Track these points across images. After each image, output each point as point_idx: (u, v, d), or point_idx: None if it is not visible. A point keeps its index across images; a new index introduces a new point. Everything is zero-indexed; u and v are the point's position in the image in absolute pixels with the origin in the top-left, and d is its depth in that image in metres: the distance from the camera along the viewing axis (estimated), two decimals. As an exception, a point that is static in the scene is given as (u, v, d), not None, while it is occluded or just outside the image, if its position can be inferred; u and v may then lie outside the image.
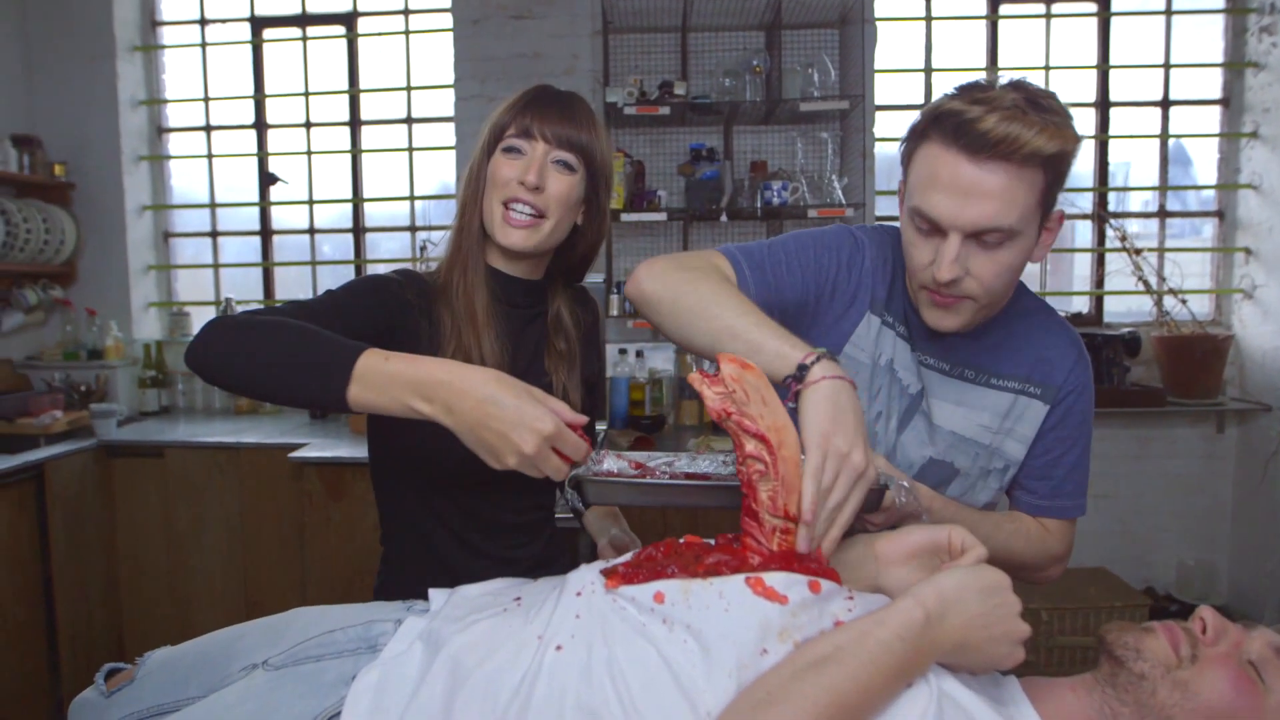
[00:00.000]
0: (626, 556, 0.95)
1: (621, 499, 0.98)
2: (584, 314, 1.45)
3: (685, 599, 0.84)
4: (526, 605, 0.93)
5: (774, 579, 0.85)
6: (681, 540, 0.96)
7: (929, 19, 3.68)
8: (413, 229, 3.86)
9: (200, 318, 3.91)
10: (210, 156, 3.90)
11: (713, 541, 0.96)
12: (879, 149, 3.43)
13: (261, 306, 1.03)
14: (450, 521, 1.31)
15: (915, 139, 1.10)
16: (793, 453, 0.89)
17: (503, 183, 1.24)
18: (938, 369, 1.24)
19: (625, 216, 3.20)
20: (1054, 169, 1.04)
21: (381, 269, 3.99)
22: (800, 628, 0.81)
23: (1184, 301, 3.56)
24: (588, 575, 0.92)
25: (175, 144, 3.93)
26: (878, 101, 3.42)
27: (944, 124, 1.03)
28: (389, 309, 1.22)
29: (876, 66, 3.38)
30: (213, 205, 3.92)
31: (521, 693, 0.80)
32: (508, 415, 0.89)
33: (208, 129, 3.89)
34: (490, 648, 0.86)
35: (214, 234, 3.95)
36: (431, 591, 1.05)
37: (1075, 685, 0.91)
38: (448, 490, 1.30)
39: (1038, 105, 1.02)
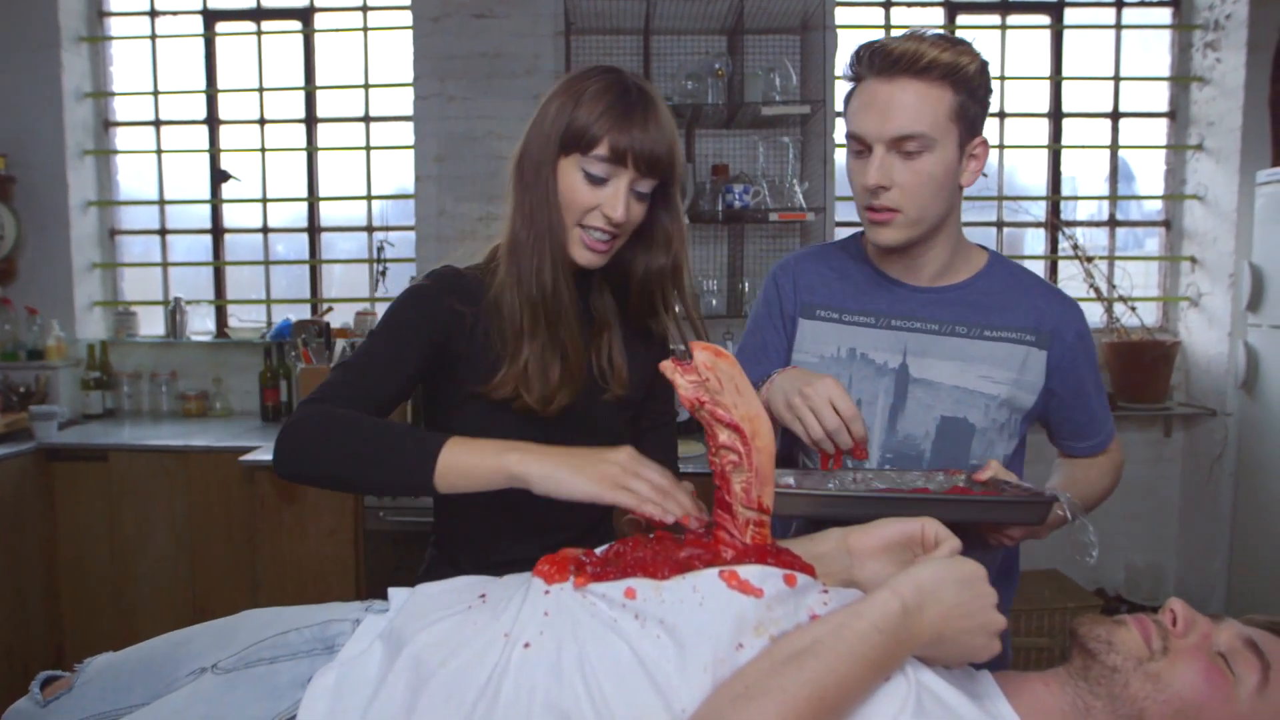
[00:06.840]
0: (595, 553, 0.93)
1: (803, 510, 1.07)
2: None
3: (657, 594, 0.82)
4: (492, 602, 0.89)
5: (748, 572, 0.83)
6: (651, 535, 0.94)
7: (888, 28, 3.72)
8: (370, 229, 3.79)
9: (147, 317, 3.79)
10: (159, 152, 3.78)
11: (682, 536, 0.94)
12: (839, 154, 3.45)
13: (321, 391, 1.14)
14: (507, 520, 1.29)
15: (852, 83, 1.26)
16: (766, 443, 0.87)
17: (581, 208, 1.16)
18: (927, 330, 1.31)
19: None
20: (961, 86, 1.17)
21: (337, 270, 3.94)
22: (776, 621, 0.79)
23: (1133, 309, 3.63)
24: (555, 572, 0.89)
25: (123, 138, 3.81)
26: (838, 108, 3.43)
27: (862, 59, 1.21)
28: (432, 335, 1.18)
29: (837, 73, 3.39)
30: (161, 202, 3.80)
31: (488, 692, 0.77)
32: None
33: (157, 124, 3.78)
34: (454, 646, 0.82)
35: (162, 231, 3.83)
36: (391, 590, 1.01)
37: (1048, 679, 0.91)
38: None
39: (942, 36, 1.19)
